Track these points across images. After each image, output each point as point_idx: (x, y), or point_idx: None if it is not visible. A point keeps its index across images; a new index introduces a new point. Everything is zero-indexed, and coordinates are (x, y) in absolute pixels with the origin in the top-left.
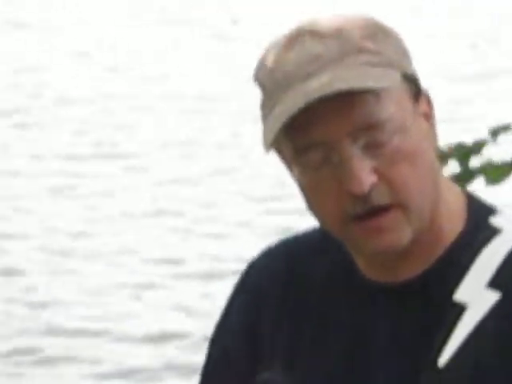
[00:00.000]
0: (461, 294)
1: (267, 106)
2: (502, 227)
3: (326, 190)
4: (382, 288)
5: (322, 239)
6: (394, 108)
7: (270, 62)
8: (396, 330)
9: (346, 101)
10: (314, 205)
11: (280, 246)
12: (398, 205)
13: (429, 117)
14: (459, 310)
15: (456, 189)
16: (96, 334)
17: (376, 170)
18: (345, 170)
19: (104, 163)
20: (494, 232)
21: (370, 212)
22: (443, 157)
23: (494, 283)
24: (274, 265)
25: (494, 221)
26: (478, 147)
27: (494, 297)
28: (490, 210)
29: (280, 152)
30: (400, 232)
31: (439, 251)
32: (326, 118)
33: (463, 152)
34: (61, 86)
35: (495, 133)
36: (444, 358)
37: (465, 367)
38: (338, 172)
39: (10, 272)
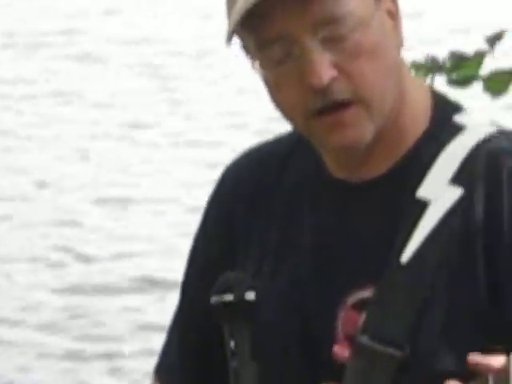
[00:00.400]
0: (424, 191)
1: (229, 2)
2: (466, 124)
3: (288, 85)
4: (348, 186)
5: (295, 141)
6: (354, 2)
7: None
8: (361, 229)
9: None
10: (277, 99)
11: (254, 150)
12: (359, 100)
13: (393, 15)
14: (422, 206)
15: (422, 87)
16: None
17: (336, 65)
18: (305, 64)
19: None
20: (458, 129)
21: (330, 107)
22: (436, 68)
23: (457, 179)
24: (247, 170)
25: (459, 118)
26: (478, 57)
27: (456, 193)
28: (455, 108)
29: (245, 48)
30: (362, 128)
31: (404, 149)
32: (285, 12)
33: (460, 61)
34: None
35: (492, 41)
36: (407, 255)
37: (427, 264)
38: (298, 66)
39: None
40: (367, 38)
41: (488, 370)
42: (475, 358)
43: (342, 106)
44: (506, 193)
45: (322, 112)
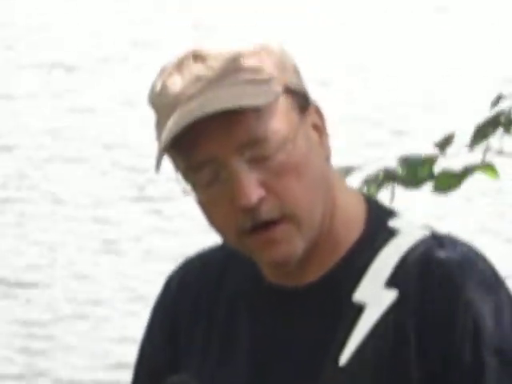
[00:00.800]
0: (360, 295)
1: (159, 130)
2: (399, 229)
3: (219, 205)
4: (284, 291)
5: (234, 249)
6: (277, 122)
7: (158, 86)
8: (298, 332)
9: (226, 119)
10: (210, 219)
11: (196, 258)
12: (289, 218)
13: (319, 127)
14: (358, 310)
15: (355, 194)
16: None
17: (264, 184)
18: (233, 185)
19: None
20: (391, 234)
21: (260, 226)
22: (390, 178)
23: (391, 282)
24: (189, 278)
25: (393, 223)
26: (428, 162)
27: (391, 295)
28: (389, 213)
29: (177, 169)
30: (292, 243)
31: (338, 254)
32: (210, 137)
33: (412, 166)
34: None
35: (443, 145)
36: (345, 358)
37: (365, 366)
38: (227, 188)
39: None
40: (292, 155)
41: None
42: None
43: (272, 223)
44: (437, 298)
45: (253, 230)
